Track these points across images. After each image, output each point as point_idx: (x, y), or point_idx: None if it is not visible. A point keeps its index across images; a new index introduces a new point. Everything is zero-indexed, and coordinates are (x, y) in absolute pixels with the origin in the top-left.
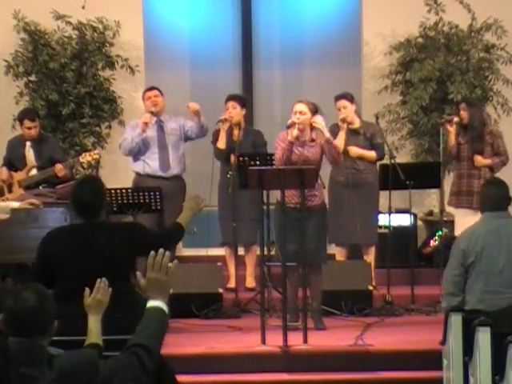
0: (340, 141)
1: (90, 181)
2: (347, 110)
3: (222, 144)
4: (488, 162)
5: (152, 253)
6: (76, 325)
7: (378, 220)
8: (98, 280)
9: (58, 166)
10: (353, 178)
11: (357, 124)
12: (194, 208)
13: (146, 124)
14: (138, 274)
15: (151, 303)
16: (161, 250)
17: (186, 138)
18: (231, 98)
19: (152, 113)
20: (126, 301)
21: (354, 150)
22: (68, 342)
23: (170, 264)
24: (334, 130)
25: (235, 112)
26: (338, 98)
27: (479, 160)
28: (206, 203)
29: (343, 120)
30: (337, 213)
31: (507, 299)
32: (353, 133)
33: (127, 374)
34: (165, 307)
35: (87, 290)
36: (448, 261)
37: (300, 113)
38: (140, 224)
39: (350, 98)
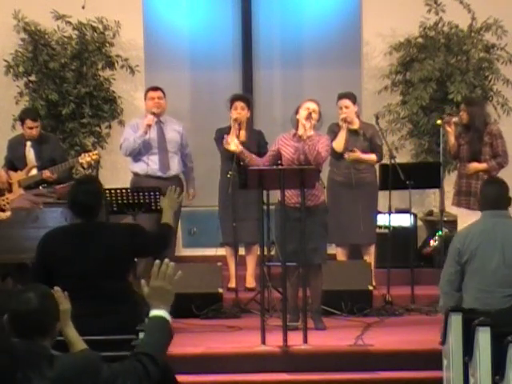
0: (340, 140)
1: (88, 181)
2: (349, 110)
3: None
4: (482, 166)
5: (157, 261)
6: (75, 324)
7: (376, 220)
8: (54, 289)
9: (46, 173)
10: (352, 177)
11: (356, 125)
12: (172, 204)
13: (149, 126)
14: (143, 281)
15: (154, 312)
16: (166, 260)
17: None
18: (240, 98)
19: (154, 114)
20: (124, 301)
21: (354, 155)
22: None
23: (178, 272)
24: (334, 129)
25: (244, 113)
26: (341, 96)
27: (473, 167)
28: (183, 196)
29: (344, 120)
30: (336, 213)
31: (500, 298)
32: (352, 133)
33: (131, 378)
34: (168, 317)
35: None
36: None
37: (313, 111)
38: (138, 225)
39: (352, 99)
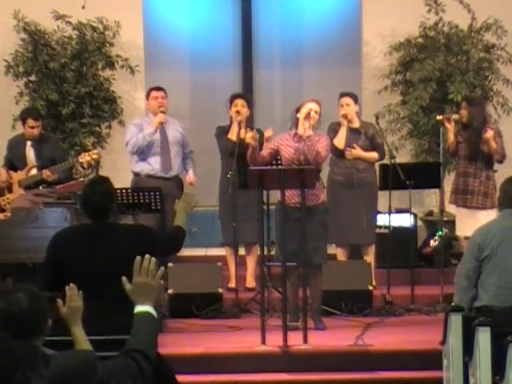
0: (341, 137)
1: (100, 182)
2: (349, 107)
3: (234, 135)
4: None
5: (138, 258)
6: (85, 325)
7: (376, 220)
8: (67, 288)
9: (46, 173)
10: (352, 177)
11: (357, 124)
12: (187, 208)
13: (161, 124)
14: (124, 279)
15: (140, 308)
16: (147, 256)
17: None
18: (240, 96)
19: (163, 112)
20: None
21: (355, 152)
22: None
23: (160, 267)
24: (335, 128)
25: (244, 110)
26: (343, 95)
27: (490, 134)
28: (197, 200)
29: (344, 116)
30: (336, 213)
31: None
32: (353, 132)
33: (125, 376)
34: (153, 311)
35: (59, 300)
36: (452, 257)
37: (315, 112)
38: (148, 226)
39: (354, 98)
